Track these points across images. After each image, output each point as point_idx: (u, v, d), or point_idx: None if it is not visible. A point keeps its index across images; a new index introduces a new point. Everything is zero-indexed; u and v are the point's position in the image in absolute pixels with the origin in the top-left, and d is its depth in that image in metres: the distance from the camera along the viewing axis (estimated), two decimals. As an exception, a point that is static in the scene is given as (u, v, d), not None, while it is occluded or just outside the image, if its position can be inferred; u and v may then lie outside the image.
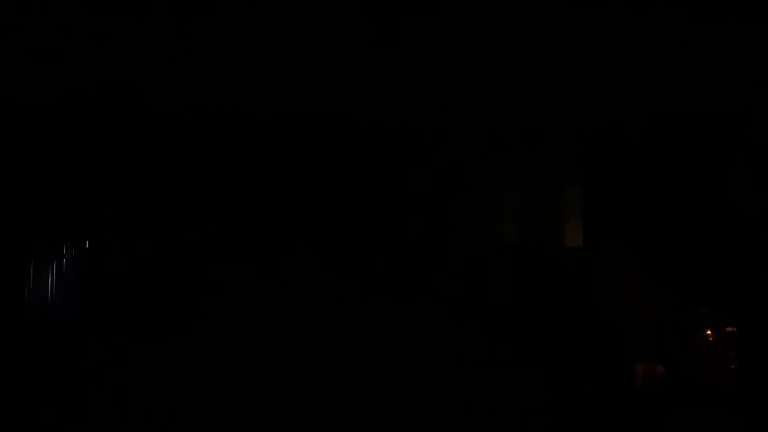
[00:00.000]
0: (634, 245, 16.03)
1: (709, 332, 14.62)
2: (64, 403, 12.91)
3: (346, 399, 13.27)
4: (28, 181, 15.15)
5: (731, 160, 15.52)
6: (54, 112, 14.56)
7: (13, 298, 14.43)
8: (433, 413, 13.49)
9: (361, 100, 14.03)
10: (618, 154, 16.68)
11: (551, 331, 15.06)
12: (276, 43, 11.95)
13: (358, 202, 15.11)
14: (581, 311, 15.38)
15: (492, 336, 14.83)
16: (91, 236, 15.15)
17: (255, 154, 14.73)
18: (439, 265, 15.40)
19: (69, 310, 14.59)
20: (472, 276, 15.64)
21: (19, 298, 14.49)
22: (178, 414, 13.10)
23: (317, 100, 13.93)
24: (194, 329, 13.86)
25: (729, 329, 14.59)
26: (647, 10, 11.69)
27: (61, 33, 10.73)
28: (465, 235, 16.21)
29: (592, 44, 14.83)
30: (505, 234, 16.43)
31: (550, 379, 14.28)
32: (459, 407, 13.63)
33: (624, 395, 14.27)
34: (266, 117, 14.36)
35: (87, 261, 15.03)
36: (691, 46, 14.01)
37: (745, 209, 15.24)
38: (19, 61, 12.32)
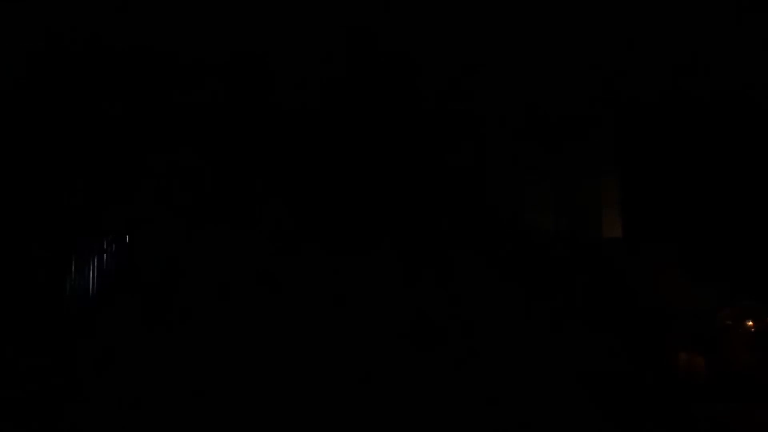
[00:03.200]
0: (674, 236, 15.85)
1: (750, 323, 14.32)
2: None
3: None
4: (70, 178, 15.53)
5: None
6: (97, 118, 15.06)
7: (54, 291, 14.80)
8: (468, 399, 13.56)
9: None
10: (656, 144, 16.52)
11: (591, 322, 14.95)
12: None
13: (391, 190, 15.27)
14: (620, 302, 15.26)
15: (532, 323, 14.86)
16: (131, 231, 15.50)
17: (276, 147, 15.09)
18: (480, 252, 15.53)
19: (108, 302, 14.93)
20: (512, 265, 15.69)
21: (60, 291, 14.85)
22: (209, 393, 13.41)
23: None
24: (227, 320, 14.16)
25: (771, 321, 14.27)
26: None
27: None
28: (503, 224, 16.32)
29: (632, 26, 14.80)
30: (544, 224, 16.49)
31: (588, 368, 14.15)
32: (503, 400, 13.60)
33: (665, 385, 14.08)
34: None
35: (126, 255, 15.39)
36: (737, 29, 13.91)
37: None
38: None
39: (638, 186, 16.38)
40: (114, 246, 15.55)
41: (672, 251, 15.62)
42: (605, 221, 16.71)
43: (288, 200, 15.30)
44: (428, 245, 15.48)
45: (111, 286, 15.14)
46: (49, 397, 12.64)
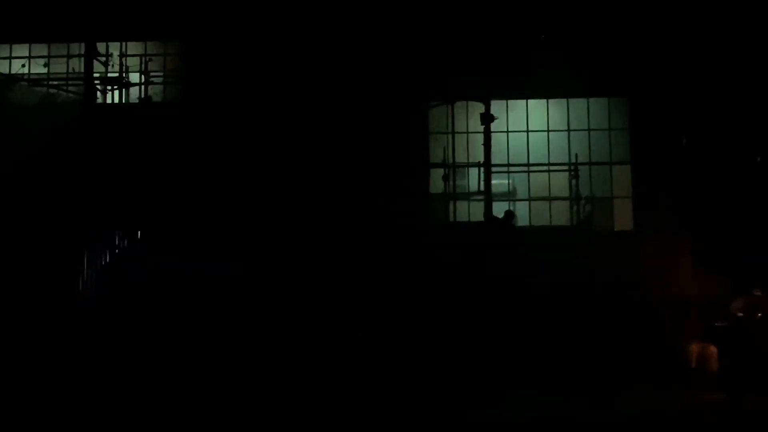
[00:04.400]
0: (686, 228, 15.90)
1: (760, 315, 14.32)
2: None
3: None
4: (83, 176, 15.63)
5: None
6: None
7: (66, 287, 14.85)
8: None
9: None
10: (668, 136, 16.62)
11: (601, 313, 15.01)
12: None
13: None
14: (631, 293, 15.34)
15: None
16: (142, 226, 15.60)
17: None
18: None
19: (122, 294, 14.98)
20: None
21: (72, 286, 14.90)
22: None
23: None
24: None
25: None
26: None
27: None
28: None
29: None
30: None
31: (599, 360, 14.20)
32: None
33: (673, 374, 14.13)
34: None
35: (138, 249, 15.45)
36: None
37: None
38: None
39: (651, 178, 16.47)
40: (126, 241, 15.64)
41: (684, 243, 15.68)
42: (617, 214, 16.88)
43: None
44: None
45: (121, 280, 15.21)
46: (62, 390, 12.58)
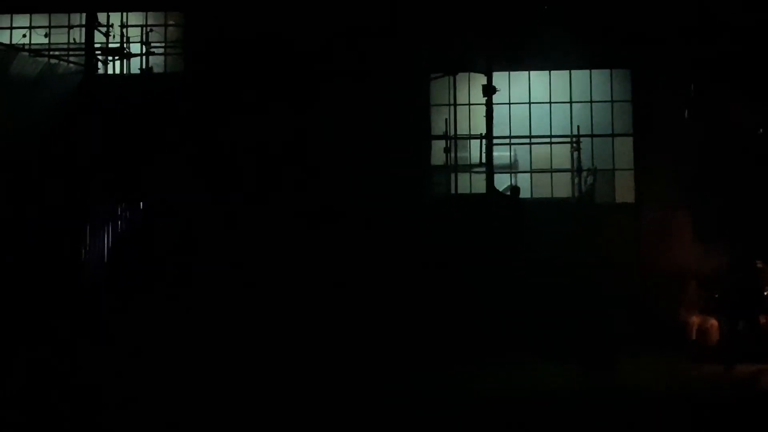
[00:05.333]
0: (688, 200, 15.91)
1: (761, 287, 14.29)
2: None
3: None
4: (84, 147, 15.61)
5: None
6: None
7: (70, 258, 14.84)
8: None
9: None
10: (671, 108, 16.59)
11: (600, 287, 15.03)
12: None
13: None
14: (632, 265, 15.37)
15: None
16: (145, 197, 15.59)
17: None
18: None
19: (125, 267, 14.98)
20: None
21: (76, 258, 14.90)
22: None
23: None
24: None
25: (786, 281, 14.23)
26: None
27: None
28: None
29: None
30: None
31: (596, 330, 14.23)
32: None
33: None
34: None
35: (141, 220, 15.45)
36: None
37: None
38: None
39: (653, 150, 16.47)
40: (128, 212, 15.63)
41: (686, 215, 15.68)
42: (618, 186, 16.90)
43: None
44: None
45: (125, 253, 15.20)
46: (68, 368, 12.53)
